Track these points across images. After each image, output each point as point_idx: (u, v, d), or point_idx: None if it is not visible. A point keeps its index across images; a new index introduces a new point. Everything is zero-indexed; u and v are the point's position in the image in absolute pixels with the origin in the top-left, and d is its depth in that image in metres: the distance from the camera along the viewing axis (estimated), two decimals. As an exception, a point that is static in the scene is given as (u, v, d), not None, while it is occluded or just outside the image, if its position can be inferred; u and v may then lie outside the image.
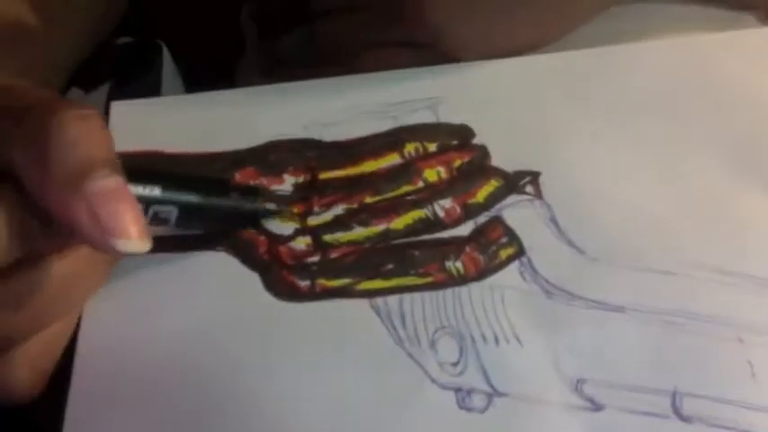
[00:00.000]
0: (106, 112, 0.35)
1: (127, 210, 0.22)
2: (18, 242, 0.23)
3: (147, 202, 0.26)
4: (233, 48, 0.45)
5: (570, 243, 0.30)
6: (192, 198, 0.28)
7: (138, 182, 0.26)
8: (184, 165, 0.33)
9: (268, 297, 0.30)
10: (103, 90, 0.42)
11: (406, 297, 0.30)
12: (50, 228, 0.23)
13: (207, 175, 0.32)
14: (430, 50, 0.35)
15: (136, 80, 0.43)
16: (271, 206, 0.31)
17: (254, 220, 0.31)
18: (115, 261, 0.29)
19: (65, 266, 0.25)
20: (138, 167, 0.26)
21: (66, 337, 0.28)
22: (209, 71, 0.40)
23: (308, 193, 0.32)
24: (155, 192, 0.26)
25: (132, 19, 0.46)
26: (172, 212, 0.27)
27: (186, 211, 0.28)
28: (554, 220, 0.31)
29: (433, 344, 0.29)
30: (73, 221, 0.22)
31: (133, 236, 0.22)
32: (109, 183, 0.22)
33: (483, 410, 0.27)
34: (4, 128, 0.22)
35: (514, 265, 0.30)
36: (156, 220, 0.27)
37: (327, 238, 0.31)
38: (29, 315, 0.25)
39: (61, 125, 0.22)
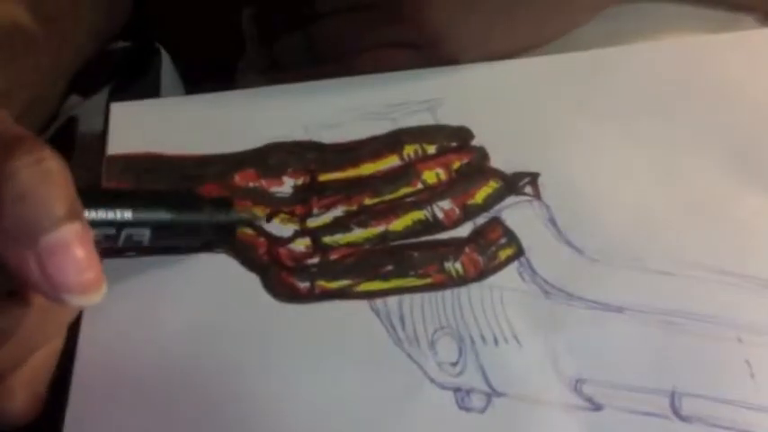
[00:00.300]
0: (106, 117, 0.35)
1: (80, 263, 0.21)
2: None
3: (118, 226, 0.26)
4: (233, 49, 0.45)
5: (569, 243, 0.31)
6: (164, 216, 0.28)
7: (108, 206, 0.25)
8: (184, 167, 0.33)
9: (268, 298, 0.30)
10: (103, 95, 0.42)
11: (406, 298, 0.30)
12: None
13: (177, 191, 0.32)
14: (429, 51, 0.35)
15: (135, 84, 0.43)
16: (244, 216, 0.31)
17: (229, 232, 0.31)
18: None
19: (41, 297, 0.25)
20: (107, 191, 0.26)
21: (56, 356, 0.28)
22: (209, 72, 0.40)
23: (308, 195, 0.32)
24: (126, 215, 0.26)
25: (132, 20, 0.46)
26: (144, 234, 0.27)
27: (159, 230, 0.27)
28: (553, 221, 0.31)
29: (432, 344, 0.29)
30: (24, 275, 0.21)
31: (84, 290, 0.22)
32: (61, 235, 0.21)
33: (482, 410, 0.27)
34: None
35: (513, 266, 0.30)
36: (129, 242, 0.26)
37: (327, 239, 0.31)
38: (15, 347, 0.25)
39: (12, 175, 0.21)
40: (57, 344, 0.28)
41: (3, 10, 0.36)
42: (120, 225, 0.26)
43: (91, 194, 0.24)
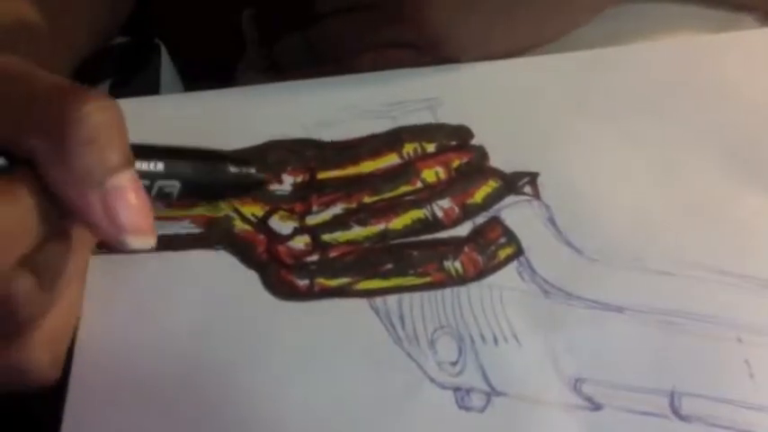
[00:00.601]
0: None
1: (138, 206, 0.23)
2: (41, 227, 0.23)
3: (151, 178, 0.27)
4: (233, 49, 0.45)
5: (568, 243, 0.31)
6: (192, 171, 0.29)
7: (143, 158, 0.27)
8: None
9: (267, 296, 0.30)
10: (103, 90, 0.42)
11: (405, 297, 0.30)
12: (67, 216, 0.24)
13: (203, 149, 0.32)
14: (430, 51, 0.35)
15: (134, 80, 0.42)
16: (261, 176, 0.32)
17: (247, 188, 0.32)
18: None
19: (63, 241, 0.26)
20: (142, 144, 0.26)
21: (75, 317, 0.28)
22: (210, 72, 0.39)
23: (307, 193, 0.32)
24: (159, 167, 0.27)
25: (132, 19, 0.46)
26: (175, 186, 0.28)
27: (188, 183, 0.29)
28: (552, 221, 0.31)
29: (432, 343, 0.29)
30: (88, 216, 0.23)
31: (142, 232, 0.23)
32: (123, 179, 0.23)
33: (482, 410, 0.27)
34: (24, 116, 0.23)
35: (513, 266, 0.30)
36: (160, 194, 0.28)
37: (326, 237, 0.31)
38: (45, 290, 0.25)
39: (81, 119, 0.22)
40: (74, 304, 0.28)
41: (6, 6, 0.36)
42: (154, 176, 0.27)
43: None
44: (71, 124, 0.22)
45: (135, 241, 0.23)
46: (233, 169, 0.31)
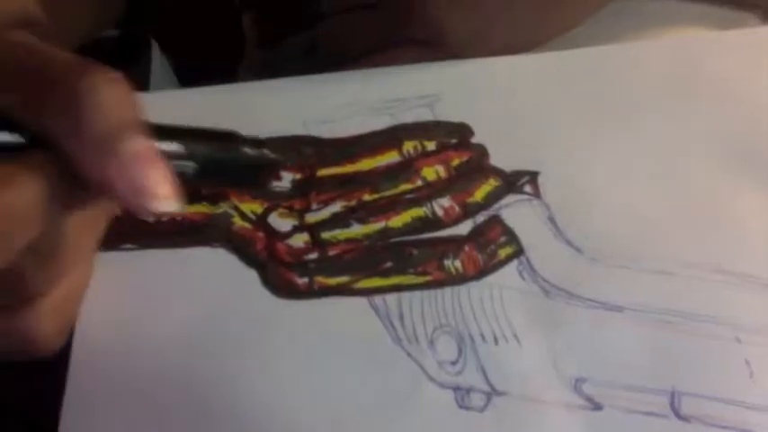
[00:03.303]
0: None
1: (158, 170, 0.23)
2: (56, 208, 0.23)
3: (167, 158, 0.26)
4: (233, 52, 0.44)
5: (569, 242, 0.30)
6: (208, 151, 0.28)
7: (158, 138, 0.26)
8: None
9: (266, 294, 0.30)
10: None
11: (405, 296, 0.30)
12: (85, 191, 0.24)
13: (220, 130, 0.31)
14: (433, 49, 0.35)
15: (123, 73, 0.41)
16: (276, 156, 0.31)
17: (265, 171, 0.30)
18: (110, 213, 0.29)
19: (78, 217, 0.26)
20: (159, 124, 0.26)
21: (84, 288, 0.28)
22: (210, 74, 0.39)
23: (306, 190, 0.32)
24: (173, 147, 0.26)
25: (128, 18, 0.45)
26: (189, 167, 0.27)
27: (203, 164, 0.28)
28: (552, 220, 0.31)
29: (431, 343, 0.29)
30: (108, 184, 0.22)
31: (166, 196, 0.23)
32: (139, 144, 0.23)
33: (482, 409, 0.27)
34: (40, 89, 0.23)
35: (513, 265, 0.30)
36: (174, 175, 0.27)
37: (326, 235, 0.31)
38: (49, 265, 0.25)
39: (91, 89, 0.22)
40: (84, 274, 0.28)
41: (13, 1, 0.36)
42: (168, 156, 0.26)
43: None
44: (84, 95, 0.22)
45: (159, 205, 0.23)
46: (249, 150, 0.30)
